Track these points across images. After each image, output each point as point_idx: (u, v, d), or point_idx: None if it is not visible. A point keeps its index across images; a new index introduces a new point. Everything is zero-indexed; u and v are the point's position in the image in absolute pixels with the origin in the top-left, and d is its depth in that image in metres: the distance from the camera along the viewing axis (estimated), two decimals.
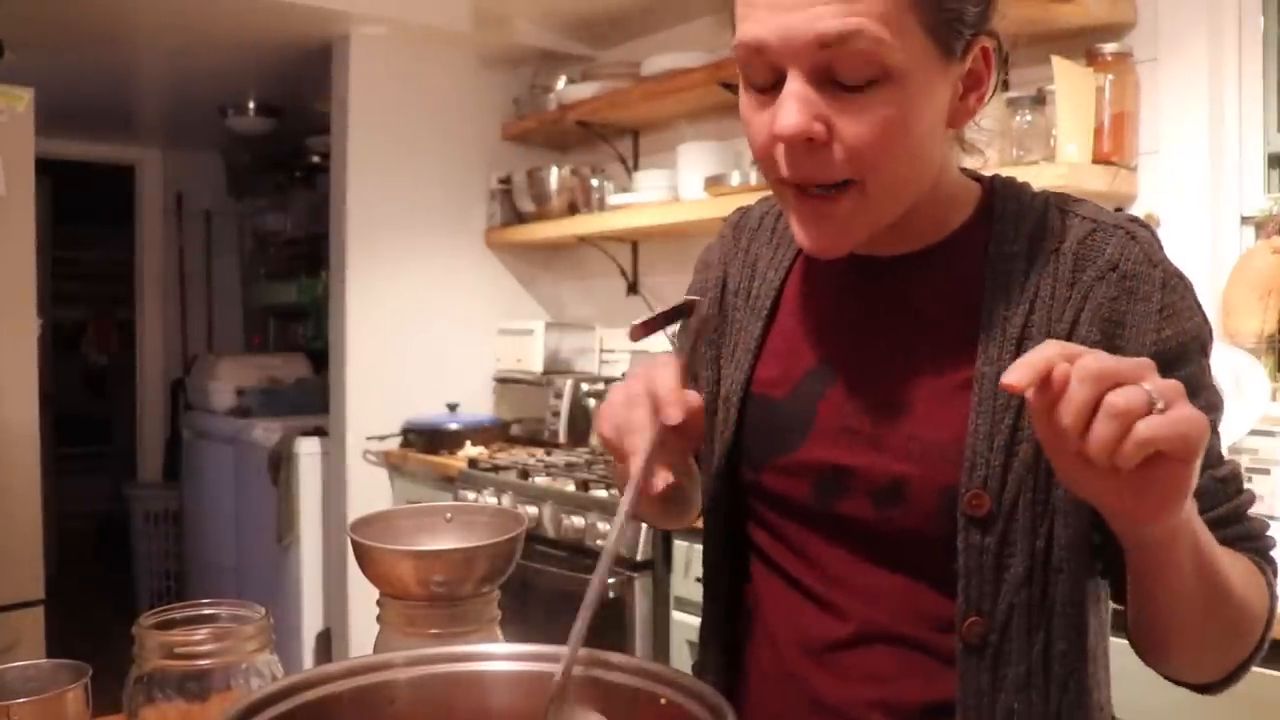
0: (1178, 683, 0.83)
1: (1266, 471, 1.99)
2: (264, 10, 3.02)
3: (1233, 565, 0.76)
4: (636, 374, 0.77)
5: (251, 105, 4.25)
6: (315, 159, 4.56)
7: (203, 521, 4.40)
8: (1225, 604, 0.75)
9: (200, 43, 3.39)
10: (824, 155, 0.76)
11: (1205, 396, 0.81)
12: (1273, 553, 0.83)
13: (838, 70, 0.74)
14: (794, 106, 0.74)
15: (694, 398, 0.74)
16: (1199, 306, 0.83)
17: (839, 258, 0.86)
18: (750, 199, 1.07)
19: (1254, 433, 1.96)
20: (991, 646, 0.80)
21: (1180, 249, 2.08)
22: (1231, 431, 1.94)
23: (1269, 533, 0.84)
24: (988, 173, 0.93)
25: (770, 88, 0.77)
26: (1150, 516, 0.65)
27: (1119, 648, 0.85)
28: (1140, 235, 0.83)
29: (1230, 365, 1.98)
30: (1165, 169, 2.12)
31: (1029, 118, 2.12)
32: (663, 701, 0.65)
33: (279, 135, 4.49)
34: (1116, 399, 0.59)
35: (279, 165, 4.93)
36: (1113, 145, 2.11)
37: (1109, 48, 2.10)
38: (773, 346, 0.94)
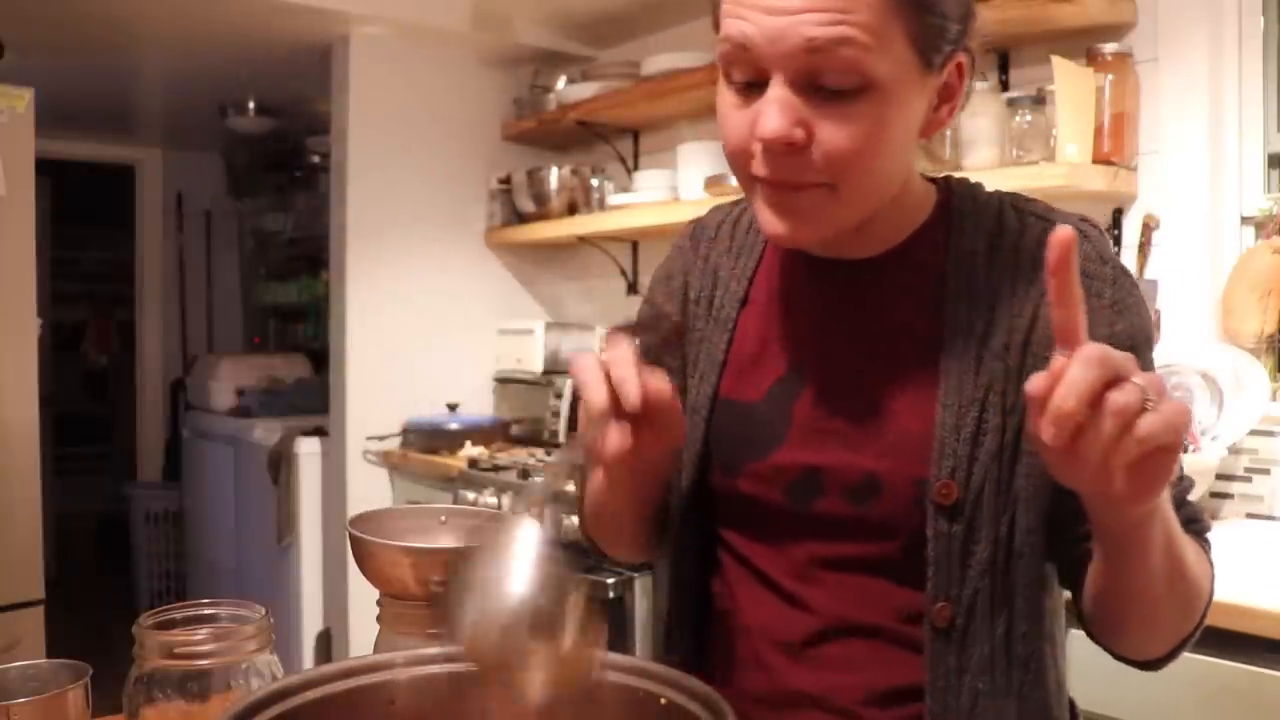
0: (1123, 659, 0.85)
1: (1266, 471, 1.99)
2: (264, 10, 3.02)
3: (1186, 545, 0.79)
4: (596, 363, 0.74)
5: (251, 105, 4.25)
6: (315, 159, 4.56)
7: (203, 521, 4.40)
8: (1183, 582, 0.78)
9: (200, 43, 3.39)
10: (803, 158, 0.77)
11: None
12: (1209, 535, 0.87)
13: (822, 76, 0.75)
14: (777, 111, 0.76)
15: (659, 388, 0.73)
16: (1144, 302, 0.87)
17: (802, 263, 0.92)
18: None
19: (1254, 433, 1.96)
20: (958, 630, 0.83)
21: (1180, 249, 2.08)
22: (1232, 431, 1.94)
23: (1205, 516, 0.87)
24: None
25: (750, 87, 0.78)
26: (1137, 501, 0.67)
27: None
28: (1091, 234, 0.87)
29: (1230, 365, 1.98)
30: (1165, 169, 2.12)
31: (1029, 118, 2.12)
32: (663, 701, 0.65)
33: (279, 135, 4.49)
34: (1117, 397, 0.61)
35: (279, 165, 4.93)
36: (1113, 145, 2.10)
37: (1109, 48, 2.10)
38: (741, 354, 0.95)
